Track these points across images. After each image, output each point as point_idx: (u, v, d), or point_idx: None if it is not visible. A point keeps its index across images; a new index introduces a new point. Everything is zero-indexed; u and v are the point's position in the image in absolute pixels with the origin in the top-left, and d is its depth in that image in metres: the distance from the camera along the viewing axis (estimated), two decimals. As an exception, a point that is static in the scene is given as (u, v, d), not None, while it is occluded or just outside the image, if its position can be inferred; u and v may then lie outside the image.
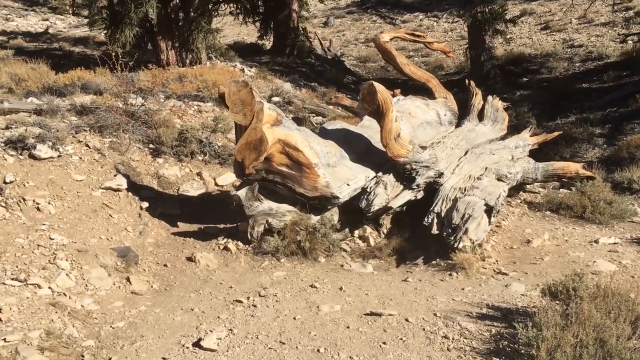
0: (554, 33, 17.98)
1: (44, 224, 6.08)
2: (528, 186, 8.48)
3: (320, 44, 18.42)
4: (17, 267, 5.27)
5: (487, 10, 14.89)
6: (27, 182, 6.63)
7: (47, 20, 26.66)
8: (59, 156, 7.26)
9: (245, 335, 4.61)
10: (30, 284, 5.07)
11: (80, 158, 7.46)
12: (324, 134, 7.26)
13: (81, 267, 5.60)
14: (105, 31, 13.72)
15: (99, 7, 19.32)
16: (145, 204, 7.16)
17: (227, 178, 8.17)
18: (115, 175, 7.37)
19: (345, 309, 4.99)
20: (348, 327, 4.62)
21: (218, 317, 4.97)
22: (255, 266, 6.22)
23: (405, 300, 5.18)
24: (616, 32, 16.49)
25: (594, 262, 5.98)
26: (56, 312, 4.79)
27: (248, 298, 5.33)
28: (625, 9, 17.45)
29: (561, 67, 15.10)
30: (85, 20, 24.29)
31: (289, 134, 6.47)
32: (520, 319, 4.28)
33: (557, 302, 4.39)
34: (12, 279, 5.06)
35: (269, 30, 18.04)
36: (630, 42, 14.93)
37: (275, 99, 11.39)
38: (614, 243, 6.63)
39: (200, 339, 4.52)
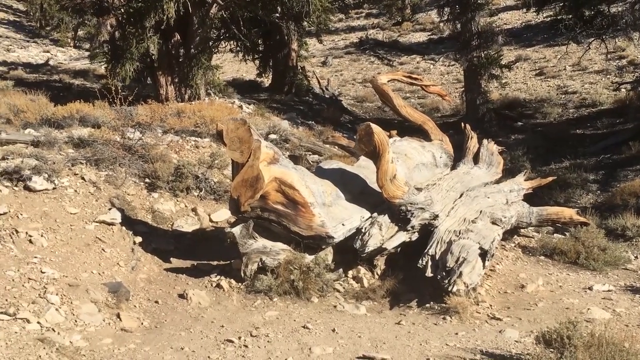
0: (548, 79, 18.28)
1: (35, 257, 6.03)
2: (522, 230, 8.49)
3: (319, 82, 18.65)
4: (6, 300, 5.21)
5: (483, 55, 15.16)
6: (21, 214, 6.60)
7: (48, 52, 26.91)
8: (54, 188, 7.25)
9: (236, 376, 4.54)
10: (19, 318, 5.01)
11: (75, 191, 7.45)
12: (321, 173, 7.29)
13: (71, 302, 5.54)
14: (105, 65, 13.86)
15: (100, 41, 19.56)
16: (139, 239, 7.11)
17: (222, 214, 8.15)
18: (109, 209, 7.35)
19: (338, 352, 4.93)
20: (340, 371, 4.56)
21: (208, 357, 4.90)
22: (248, 305, 6.16)
23: (399, 343, 5.12)
24: (609, 80, 16.78)
25: (588, 309, 5.96)
26: (44, 348, 4.71)
27: (239, 338, 5.26)
28: (619, 58, 17.78)
29: (555, 113, 15.30)
30: (86, 53, 24.56)
31: (285, 173, 6.50)
32: (515, 367, 4.24)
33: (551, 350, 4.36)
34: (1, 313, 5.00)
35: (268, 68, 18.25)
36: (623, 90, 15.18)
37: (273, 136, 11.46)
38: (608, 290, 6.62)
39: (189, 380, 4.45)
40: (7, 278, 5.52)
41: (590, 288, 6.69)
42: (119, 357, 4.92)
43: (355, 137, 7.16)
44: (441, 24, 22.01)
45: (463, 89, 16.48)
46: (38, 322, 5.05)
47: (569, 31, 14.88)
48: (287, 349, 5.01)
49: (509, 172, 9.59)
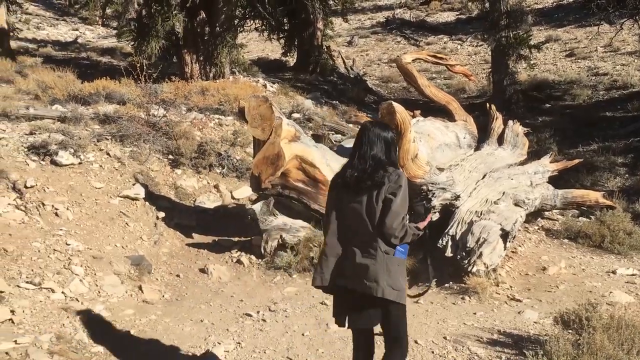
0: (578, 60, 17.86)
1: (61, 230, 6.16)
2: (546, 213, 8.37)
3: (344, 62, 18.51)
4: (32, 270, 5.34)
5: (511, 35, 14.83)
6: (47, 188, 6.74)
7: (76, 30, 27.17)
8: (79, 163, 7.38)
9: (253, 349, 4.61)
10: (44, 288, 5.14)
11: (101, 166, 7.57)
12: (342, 151, 7.27)
13: (95, 274, 5.66)
14: (132, 42, 13.96)
15: (127, 19, 19.68)
16: (162, 214, 7.22)
17: (244, 192, 8.21)
18: (133, 184, 7.46)
19: (355, 328, 4.95)
20: (356, 347, 4.58)
21: (227, 329, 4.98)
22: (267, 280, 6.23)
23: (416, 322, 5.13)
24: (642, 61, 16.34)
25: (610, 292, 5.88)
26: (67, 317, 4.84)
27: (258, 312, 5.33)
28: (652, 39, 17.30)
29: (585, 95, 14.95)
30: (114, 32, 24.77)
31: (306, 150, 6.50)
32: (532, 347, 4.22)
33: (570, 331, 4.33)
34: (27, 282, 5.13)
35: (293, 47, 18.18)
36: (656, 72, 14.79)
37: (296, 115, 11.45)
38: (632, 274, 6.51)
39: (208, 351, 4.52)
40: (33, 249, 5.66)
41: (613, 272, 6.59)
42: (140, 327, 5.03)
43: (377, 116, 7.11)
44: (470, 3, 21.61)
45: (490, 69, 16.20)
46: (62, 292, 5.18)
47: (601, 11, 14.47)
48: (305, 324, 5.06)
49: (534, 154, 9.43)
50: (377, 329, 3.53)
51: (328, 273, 3.39)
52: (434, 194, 6.75)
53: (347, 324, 3.49)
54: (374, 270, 3.23)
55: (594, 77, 16.24)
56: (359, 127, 3.54)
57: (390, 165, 3.35)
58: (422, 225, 3.53)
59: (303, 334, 4.87)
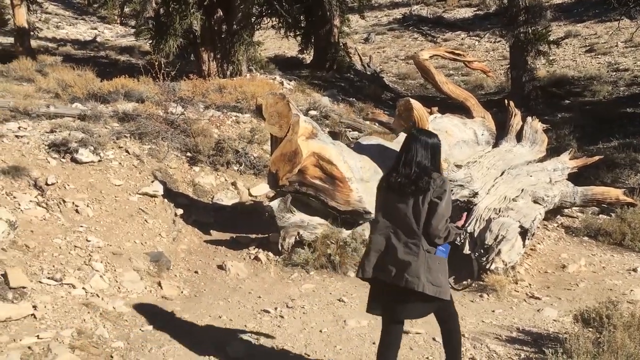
0: (598, 56, 17.65)
1: (81, 226, 6.24)
2: (566, 210, 8.30)
3: (360, 59, 18.48)
4: (53, 266, 5.41)
5: (530, 31, 14.70)
6: (68, 185, 6.82)
7: (95, 29, 27.43)
8: (99, 161, 7.46)
9: (271, 345, 4.63)
10: (65, 284, 5.20)
11: (120, 163, 7.64)
12: (359, 148, 7.26)
13: (115, 270, 5.73)
14: (150, 41, 14.09)
15: (145, 18, 19.86)
16: (180, 211, 7.27)
17: (261, 189, 8.24)
18: (152, 182, 7.52)
19: (372, 325, 4.96)
20: (374, 343, 4.59)
21: (245, 325, 5.01)
22: (285, 277, 6.25)
23: (434, 319, 5.10)
24: (664, 56, 16.11)
25: (631, 290, 5.82)
26: (88, 313, 4.90)
27: (276, 309, 5.35)
28: (675, 34, 17.01)
29: (605, 91, 14.77)
30: (132, 30, 24.98)
31: (323, 147, 6.51)
32: (551, 345, 4.20)
33: (590, 329, 4.29)
34: (49, 278, 5.20)
35: (309, 44, 18.21)
36: (678, 67, 14.56)
37: (313, 112, 11.46)
38: (654, 272, 6.44)
39: (226, 346, 4.55)
40: (55, 245, 5.74)
41: (634, 269, 6.53)
42: (160, 323, 5.07)
43: (395, 113, 7.10)
44: (488, -1, 21.44)
45: (508, 66, 16.07)
46: (83, 288, 5.24)
47: (622, 6, 14.32)
48: (322, 321, 5.08)
49: (554, 151, 9.34)
50: (406, 327, 3.55)
51: (369, 267, 3.66)
52: (451, 191, 6.72)
53: (381, 314, 3.77)
54: (416, 267, 3.47)
55: (614, 73, 16.04)
56: (406, 134, 3.78)
57: (434, 171, 3.61)
58: (460, 224, 3.79)
59: (321, 331, 4.88)
